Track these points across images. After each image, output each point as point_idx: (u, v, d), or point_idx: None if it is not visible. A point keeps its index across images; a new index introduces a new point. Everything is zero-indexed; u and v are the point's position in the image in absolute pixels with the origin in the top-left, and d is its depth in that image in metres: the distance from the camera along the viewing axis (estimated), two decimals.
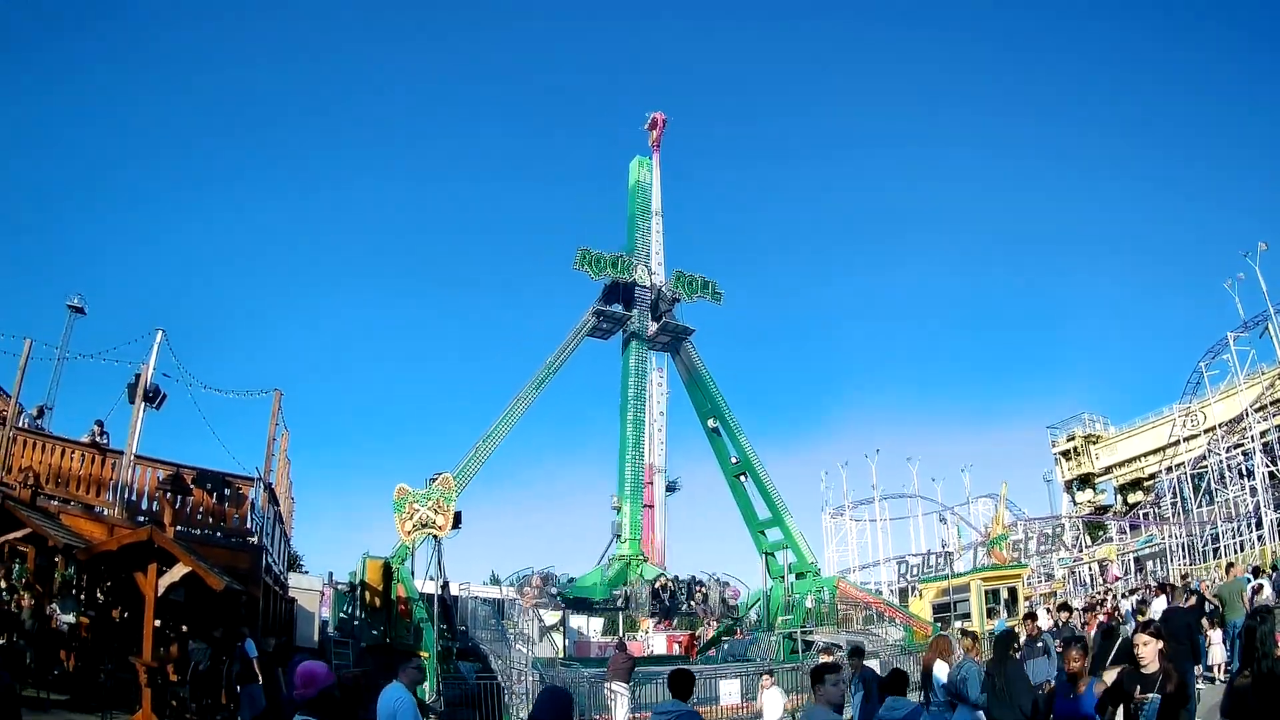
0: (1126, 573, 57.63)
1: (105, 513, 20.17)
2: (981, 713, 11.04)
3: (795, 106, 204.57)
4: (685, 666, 12.01)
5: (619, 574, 44.81)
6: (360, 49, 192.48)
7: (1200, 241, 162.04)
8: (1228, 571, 25.46)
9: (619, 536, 48.54)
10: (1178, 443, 62.17)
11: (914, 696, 12.56)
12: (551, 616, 45.84)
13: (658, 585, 41.92)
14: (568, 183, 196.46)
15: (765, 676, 18.02)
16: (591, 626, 55.56)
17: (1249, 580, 21.64)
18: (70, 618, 20.71)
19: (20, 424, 21.59)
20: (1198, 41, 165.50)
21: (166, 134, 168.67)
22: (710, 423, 48.34)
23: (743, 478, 47.43)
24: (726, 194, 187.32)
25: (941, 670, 12.54)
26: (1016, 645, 13.04)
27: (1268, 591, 21.29)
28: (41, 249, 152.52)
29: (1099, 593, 47.99)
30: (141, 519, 19.82)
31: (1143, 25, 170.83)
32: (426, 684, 27.09)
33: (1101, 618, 25.04)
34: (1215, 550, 52.05)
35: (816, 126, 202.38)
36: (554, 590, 41.58)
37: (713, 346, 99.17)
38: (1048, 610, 27.81)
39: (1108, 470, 73.57)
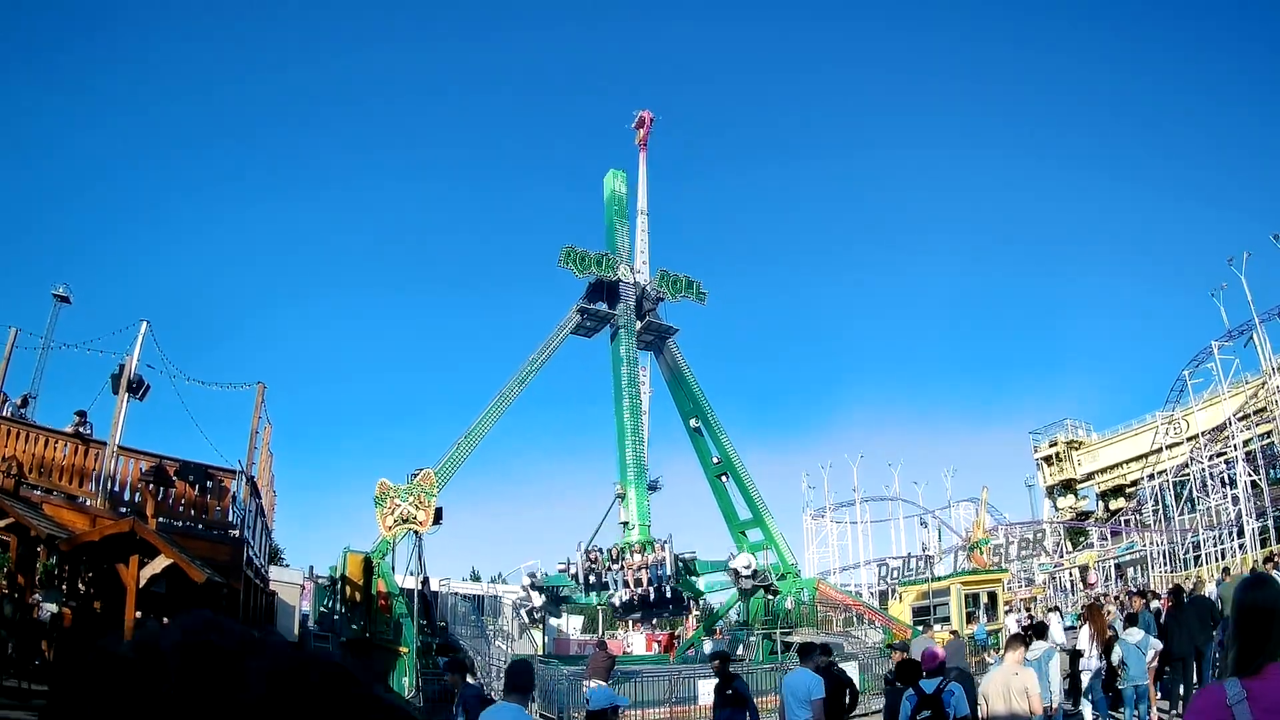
0: (1107, 579, 57.98)
1: (88, 503, 20.23)
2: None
3: (785, 106, 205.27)
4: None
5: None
6: (343, 50, 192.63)
7: (1186, 249, 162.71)
8: (1225, 575, 26.24)
9: (626, 525, 45.27)
10: (1160, 450, 62.48)
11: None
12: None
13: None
14: (554, 181, 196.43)
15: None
16: (571, 624, 55.62)
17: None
18: (52, 608, 20.74)
19: (4, 413, 21.61)
20: (1193, 43, 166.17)
21: (153, 128, 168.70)
22: (692, 422, 48.36)
23: (724, 478, 47.49)
24: (713, 194, 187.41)
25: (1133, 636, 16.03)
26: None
27: None
28: (27, 237, 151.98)
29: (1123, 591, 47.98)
30: (124, 510, 19.87)
31: (1140, 25, 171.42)
32: (406, 679, 27.22)
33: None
34: (1197, 558, 52.37)
35: (806, 126, 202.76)
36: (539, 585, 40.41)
37: (696, 346, 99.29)
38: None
39: (1090, 476, 74.01)
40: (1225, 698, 3.36)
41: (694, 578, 42.54)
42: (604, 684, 14.23)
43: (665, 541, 38.52)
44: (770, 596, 40.57)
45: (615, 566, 37.20)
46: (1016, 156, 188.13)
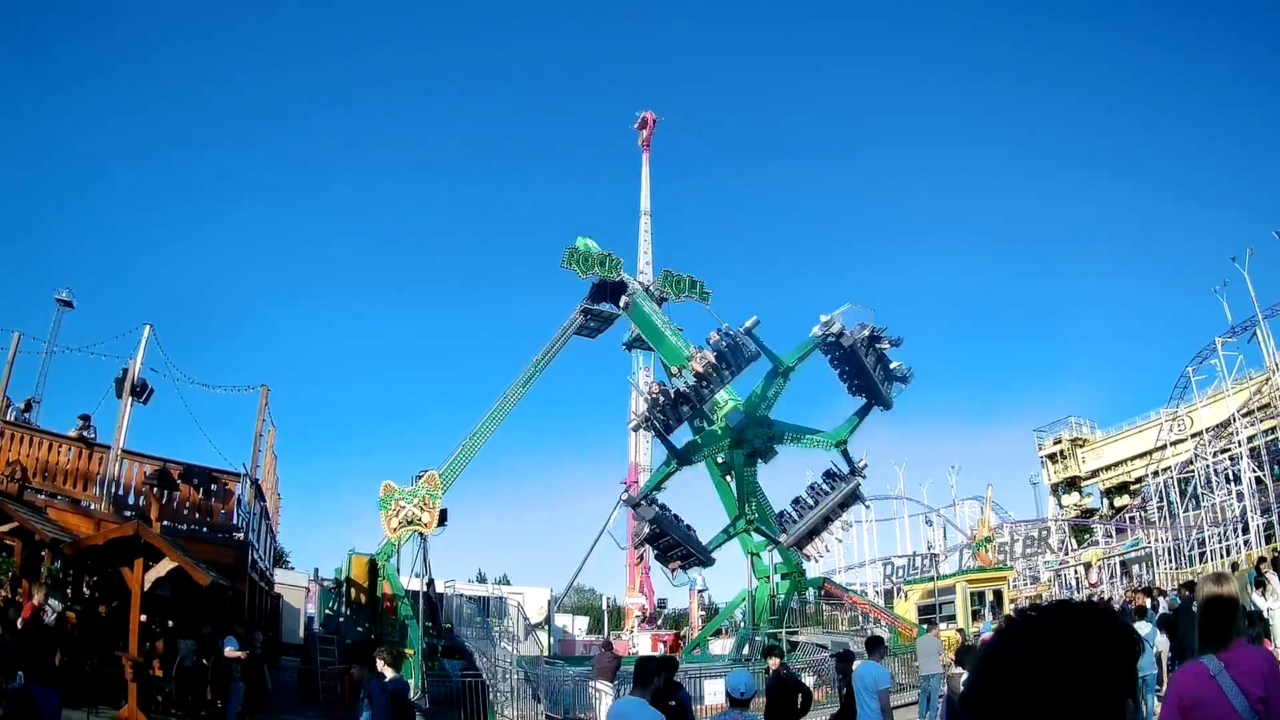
0: (1112, 576, 57.84)
1: (92, 507, 20.21)
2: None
3: (785, 106, 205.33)
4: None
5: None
6: (343, 50, 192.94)
7: (1187, 249, 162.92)
8: (1233, 570, 26.45)
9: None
10: (1164, 447, 62.28)
11: None
12: (537, 615, 45.72)
13: None
14: (554, 181, 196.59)
15: None
16: (576, 625, 55.56)
17: (1254, 574, 22.21)
18: (57, 606, 20.70)
19: (8, 417, 21.59)
20: (1193, 43, 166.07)
21: (153, 128, 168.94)
22: (696, 421, 48.13)
23: (728, 477, 47.24)
24: (714, 193, 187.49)
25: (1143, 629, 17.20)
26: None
27: (1275, 583, 21.61)
28: (29, 239, 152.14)
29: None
30: (128, 514, 19.87)
31: (1140, 25, 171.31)
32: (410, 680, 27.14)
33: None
34: (1201, 555, 52.26)
35: (806, 126, 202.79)
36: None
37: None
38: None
39: (1094, 474, 73.75)
40: (1209, 670, 4.06)
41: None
42: (745, 670, 14.00)
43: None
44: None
45: (683, 373, 34.37)
46: (1016, 156, 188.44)
